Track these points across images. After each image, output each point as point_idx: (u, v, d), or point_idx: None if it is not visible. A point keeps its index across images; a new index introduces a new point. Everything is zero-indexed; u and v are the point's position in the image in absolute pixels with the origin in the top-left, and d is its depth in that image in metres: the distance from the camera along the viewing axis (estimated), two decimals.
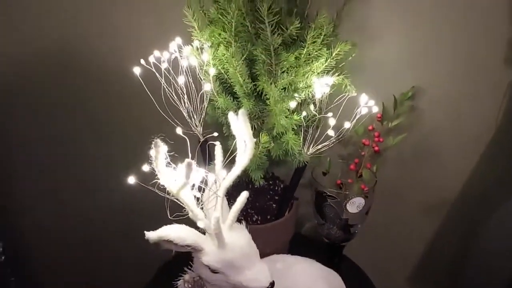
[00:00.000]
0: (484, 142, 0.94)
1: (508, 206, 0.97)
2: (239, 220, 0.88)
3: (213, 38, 0.75)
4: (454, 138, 0.94)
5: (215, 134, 0.69)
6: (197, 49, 0.77)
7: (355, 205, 0.86)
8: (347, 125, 0.73)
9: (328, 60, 0.78)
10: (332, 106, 0.83)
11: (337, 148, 1.01)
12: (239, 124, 0.67)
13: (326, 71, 0.79)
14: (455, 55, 0.88)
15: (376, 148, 0.92)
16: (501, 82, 0.88)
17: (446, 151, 0.96)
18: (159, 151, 0.59)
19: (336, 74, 0.78)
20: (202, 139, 0.83)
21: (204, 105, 0.81)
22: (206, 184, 0.66)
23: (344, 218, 0.88)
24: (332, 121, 0.72)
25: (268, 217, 0.89)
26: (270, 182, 0.95)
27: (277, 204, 0.91)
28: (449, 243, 1.07)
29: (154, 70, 0.75)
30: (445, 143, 0.96)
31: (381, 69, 0.93)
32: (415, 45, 0.90)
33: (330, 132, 0.72)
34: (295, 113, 0.73)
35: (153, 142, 0.58)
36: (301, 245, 1.02)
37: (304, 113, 0.73)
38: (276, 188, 0.94)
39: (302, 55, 0.73)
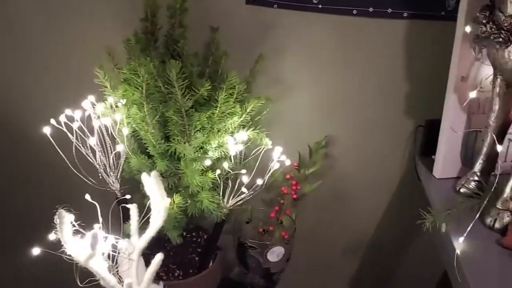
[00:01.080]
0: (393, 185, 1.01)
1: (417, 245, 1.05)
2: (160, 277, 0.88)
3: (126, 97, 0.75)
4: (365, 183, 1.01)
5: (128, 196, 0.69)
6: (111, 106, 0.77)
7: (275, 253, 0.88)
8: (259, 181, 0.76)
9: (243, 116, 0.81)
10: (249, 158, 0.86)
11: (261, 193, 1.04)
12: (152, 185, 0.67)
13: (242, 126, 0.82)
14: (363, 106, 0.95)
15: (295, 196, 0.95)
16: (405, 131, 0.95)
17: (359, 196, 1.02)
18: (64, 222, 0.58)
19: (251, 128, 0.81)
20: (119, 196, 0.82)
21: (120, 162, 0.81)
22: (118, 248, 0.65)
23: (265, 267, 0.90)
24: (245, 179, 0.74)
25: (191, 270, 0.89)
26: (193, 234, 0.95)
27: (200, 257, 0.91)
28: (373, 276, 1.12)
29: (65, 130, 0.74)
30: (358, 188, 1.01)
31: (296, 121, 0.98)
32: (327, 98, 0.95)
33: (244, 190, 0.74)
34: (209, 171, 0.75)
35: (56, 214, 0.57)
36: None
37: (218, 171, 0.75)
38: (199, 240, 0.94)
39: (215, 115, 0.75)
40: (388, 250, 1.07)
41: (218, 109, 0.75)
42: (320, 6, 0.86)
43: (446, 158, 0.82)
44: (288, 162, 0.83)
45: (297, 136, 0.97)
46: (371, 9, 0.84)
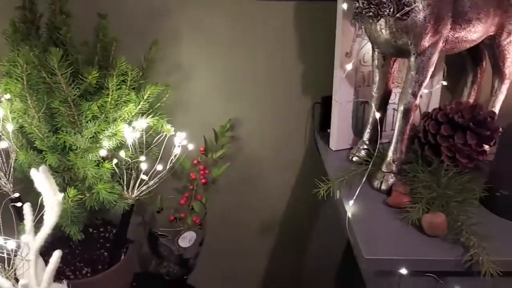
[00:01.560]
0: (297, 161, 1.05)
1: (325, 216, 1.10)
2: (66, 277, 0.84)
3: (9, 91, 0.70)
4: (272, 161, 1.04)
5: (16, 194, 0.65)
6: None
7: (187, 239, 0.88)
8: (159, 167, 0.75)
9: (141, 103, 0.80)
10: (152, 146, 0.85)
11: (172, 181, 1.03)
12: (42, 181, 0.64)
13: (141, 114, 0.81)
14: (262, 87, 0.97)
15: (204, 181, 0.96)
16: (304, 108, 0.99)
17: (268, 174, 1.05)
18: None
19: (151, 116, 0.80)
20: (12, 196, 0.77)
21: (11, 161, 0.76)
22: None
23: (178, 254, 0.89)
24: (144, 166, 0.73)
25: (100, 267, 0.86)
26: (100, 229, 0.92)
27: (109, 252, 0.88)
28: (287, 251, 1.16)
29: None
30: (266, 167, 1.04)
31: (199, 106, 0.98)
32: (227, 81, 0.96)
33: (143, 177, 0.73)
34: (106, 161, 0.73)
35: None
36: (145, 285, 1.00)
37: (115, 160, 0.73)
38: (107, 235, 0.92)
39: (108, 103, 0.73)
40: (299, 224, 1.12)
41: (110, 97, 0.73)
42: None
43: (339, 131, 0.87)
44: (191, 147, 0.83)
45: (201, 121, 0.97)
46: None
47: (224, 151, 0.97)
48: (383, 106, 0.80)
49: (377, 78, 0.78)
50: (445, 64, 0.88)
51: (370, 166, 0.74)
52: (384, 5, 0.63)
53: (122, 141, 0.73)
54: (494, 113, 0.77)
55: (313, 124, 0.99)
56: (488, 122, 0.73)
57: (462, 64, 0.88)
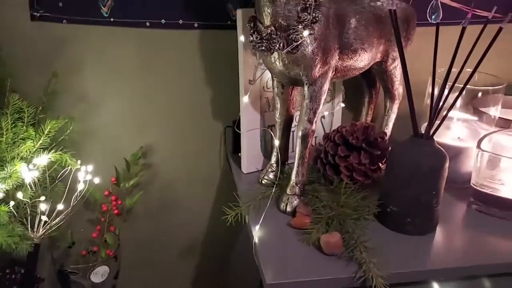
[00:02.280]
0: (213, 185, 1.06)
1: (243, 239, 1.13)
2: None
3: None
4: (188, 185, 1.04)
5: None
6: None
7: (99, 274, 0.86)
8: (60, 207, 0.73)
9: (42, 139, 0.77)
10: (57, 181, 0.82)
11: (84, 214, 1.00)
12: None
13: (42, 149, 0.78)
14: (173, 113, 0.97)
15: (116, 212, 0.94)
16: (216, 132, 1.01)
17: (186, 199, 1.06)
18: None
19: (53, 151, 0.78)
20: None
21: None
22: None
23: None
24: (43, 206, 0.71)
25: None
26: (7, 271, 0.87)
27: None
28: (210, 273, 1.17)
29: None
30: (183, 191, 1.05)
31: (109, 136, 0.96)
32: (136, 109, 0.96)
33: (44, 218, 0.71)
34: (2, 205, 0.69)
35: None
36: None
37: (12, 203, 0.70)
38: (14, 276, 0.87)
39: (2, 143, 0.70)
40: (220, 244, 1.13)
41: (4, 137, 0.70)
42: (111, 19, 0.86)
43: (249, 154, 0.90)
44: (97, 180, 0.82)
45: (112, 150, 0.96)
46: (163, 21, 0.87)
47: (137, 179, 0.96)
48: (286, 130, 0.84)
49: (278, 105, 0.81)
50: (343, 87, 0.95)
51: (274, 189, 0.77)
52: (274, 40, 0.67)
53: (19, 182, 0.70)
54: (384, 133, 0.84)
55: (226, 147, 1.01)
56: (379, 142, 0.80)
57: (359, 86, 0.95)
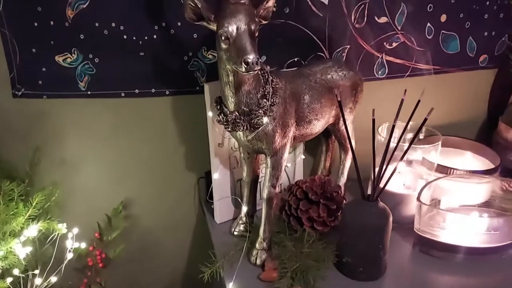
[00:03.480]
0: (189, 234, 1.15)
1: None
2: None
3: None
4: (168, 231, 1.12)
5: None
6: None
7: None
8: (53, 279, 0.81)
9: (30, 211, 0.84)
10: (46, 246, 0.89)
11: (71, 267, 1.07)
12: None
13: (31, 219, 0.85)
14: (149, 168, 1.05)
15: (101, 265, 1.02)
16: (190, 183, 1.10)
17: (166, 242, 1.14)
18: None
19: (41, 220, 0.85)
20: None
21: None
22: None
23: None
24: (38, 280, 0.78)
25: None
26: None
27: None
28: None
29: None
30: (163, 236, 1.13)
31: (90, 195, 1.04)
32: (115, 168, 1.03)
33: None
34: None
35: None
36: None
37: (10, 279, 0.77)
38: None
39: None
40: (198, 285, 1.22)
41: None
42: (88, 92, 0.93)
43: (221, 206, 0.99)
44: (83, 245, 0.89)
45: (94, 208, 1.03)
46: (137, 91, 0.95)
47: (118, 232, 1.04)
48: (253, 186, 0.94)
49: (245, 167, 0.91)
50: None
51: (245, 244, 0.87)
52: (239, 124, 0.77)
53: (15, 261, 0.77)
54: (339, 187, 0.95)
55: (200, 197, 1.10)
56: (335, 197, 0.91)
57: (317, 139, 1.05)
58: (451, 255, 0.89)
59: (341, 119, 0.93)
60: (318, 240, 0.89)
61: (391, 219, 0.80)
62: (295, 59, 0.99)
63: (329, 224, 0.91)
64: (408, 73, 1.08)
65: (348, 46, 1.01)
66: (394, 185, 0.98)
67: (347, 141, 0.98)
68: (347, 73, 0.90)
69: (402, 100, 0.78)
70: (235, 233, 0.95)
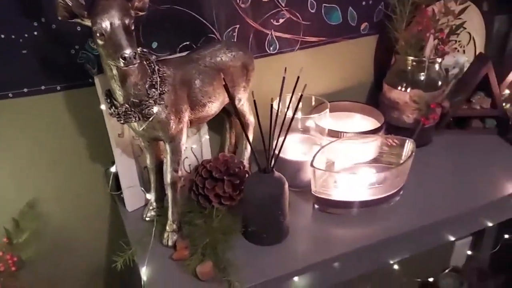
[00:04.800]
0: (105, 227, 1.16)
1: None
2: None
3: None
4: (81, 224, 1.12)
5: None
6: None
7: None
8: None
9: None
10: None
11: None
12: None
13: None
14: (52, 164, 1.03)
15: (14, 268, 1.00)
16: (98, 174, 1.10)
17: (81, 236, 1.14)
18: None
19: None
20: None
21: None
22: None
23: None
24: None
25: None
26: None
27: None
28: None
29: None
30: (77, 230, 1.12)
31: None
32: (17, 171, 1.00)
33: None
34: None
35: None
36: None
37: None
38: None
39: None
40: (120, 275, 1.24)
41: None
42: None
43: (130, 193, 1.00)
44: None
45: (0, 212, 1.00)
46: (25, 90, 0.92)
47: (29, 233, 1.02)
48: (159, 171, 0.96)
49: (148, 155, 0.93)
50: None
51: (154, 228, 0.91)
52: (130, 116, 0.78)
53: None
54: (241, 163, 1.00)
55: (110, 187, 1.11)
56: (237, 172, 0.96)
57: (220, 118, 1.09)
58: (347, 210, 1.00)
59: (237, 98, 0.98)
60: (227, 214, 0.95)
61: (286, 186, 0.88)
62: (187, 43, 1.01)
63: (236, 198, 0.97)
64: (298, 47, 1.14)
65: (238, 26, 1.04)
66: (294, 154, 1.05)
67: (246, 117, 1.04)
68: (236, 54, 0.94)
69: (284, 78, 0.84)
70: (147, 219, 0.98)
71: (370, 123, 1.17)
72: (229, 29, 1.04)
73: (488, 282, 1.80)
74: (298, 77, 0.83)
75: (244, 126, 1.05)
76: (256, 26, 1.07)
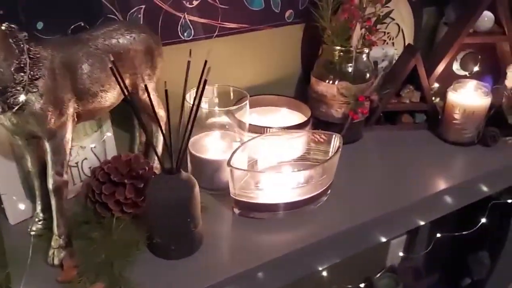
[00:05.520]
0: None
1: None
2: None
3: None
4: None
5: None
6: None
7: None
8: None
9: None
10: None
11: None
12: None
13: None
14: None
15: None
16: None
17: None
18: None
19: None
20: None
21: None
22: None
23: None
24: None
25: None
26: None
27: None
28: None
29: None
30: None
31: None
32: None
33: None
34: None
35: None
36: None
37: None
38: None
39: None
40: None
41: None
42: None
43: (12, 202, 0.83)
44: None
45: None
46: None
47: None
48: (44, 175, 0.80)
49: (28, 156, 0.77)
50: (110, 114, 0.94)
51: (31, 243, 0.75)
52: None
53: None
54: (148, 163, 0.86)
55: None
56: (142, 174, 0.82)
57: (127, 112, 0.95)
58: (271, 213, 0.89)
59: (140, 88, 0.85)
60: (131, 224, 0.81)
61: (197, 189, 0.75)
62: (81, 24, 0.86)
63: (141, 205, 0.83)
64: (216, 33, 1.03)
65: (143, 6, 0.91)
66: (212, 152, 0.93)
67: (154, 110, 0.90)
68: (138, 36, 0.80)
69: (188, 62, 0.71)
70: (32, 233, 0.81)
71: (297, 118, 1.08)
72: (133, 10, 0.90)
73: (423, 281, 1.78)
74: (206, 61, 0.71)
75: (154, 121, 0.92)
76: (166, 7, 0.93)
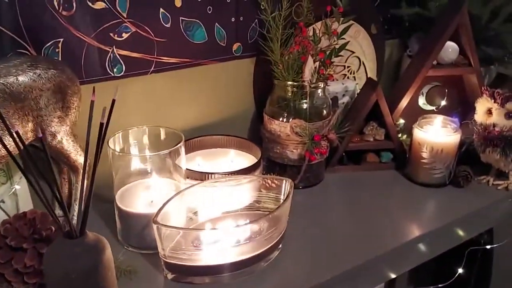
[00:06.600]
0: None
1: None
2: None
3: None
4: None
5: None
6: None
7: None
8: None
9: None
10: None
11: None
12: None
13: None
14: None
15: None
16: None
17: None
18: None
19: None
20: None
21: None
22: None
23: None
24: None
25: None
26: None
27: None
28: None
29: None
30: None
31: None
32: None
33: None
34: None
35: None
36: None
37: None
38: None
39: None
40: None
41: None
42: None
43: None
44: None
45: None
46: None
47: None
48: None
49: None
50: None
51: None
52: None
53: None
54: (55, 223, 0.72)
55: None
56: (47, 236, 0.68)
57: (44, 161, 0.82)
58: (212, 277, 0.75)
59: (48, 132, 0.72)
60: None
61: (107, 255, 0.61)
62: None
63: None
64: (152, 69, 0.92)
65: (62, 40, 0.80)
66: (141, 205, 0.80)
67: (70, 159, 0.77)
68: (44, 72, 0.68)
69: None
70: None
71: (247, 160, 0.96)
72: (49, 44, 0.79)
73: None
74: (114, 100, 0.59)
75: (74, 169, 0.79)
76: (90, 40, 0.82)
